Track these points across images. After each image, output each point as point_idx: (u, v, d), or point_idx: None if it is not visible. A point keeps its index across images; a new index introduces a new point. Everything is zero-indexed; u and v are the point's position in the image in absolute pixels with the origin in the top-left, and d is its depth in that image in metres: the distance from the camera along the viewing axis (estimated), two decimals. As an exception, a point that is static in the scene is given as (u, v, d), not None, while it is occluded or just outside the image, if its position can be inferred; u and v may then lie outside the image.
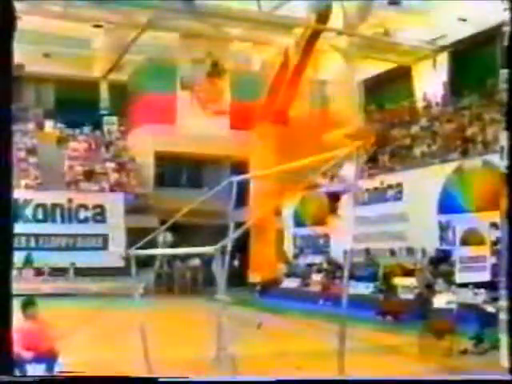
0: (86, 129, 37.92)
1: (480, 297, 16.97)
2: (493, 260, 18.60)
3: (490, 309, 13.73)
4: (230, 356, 7.16)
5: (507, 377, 5.30)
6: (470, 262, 18.50)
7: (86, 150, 36.35)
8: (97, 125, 38.44)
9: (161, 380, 6.04)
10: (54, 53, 35.82)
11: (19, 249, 25.20)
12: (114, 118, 39.14)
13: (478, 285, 17.96)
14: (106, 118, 39.10)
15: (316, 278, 27.36)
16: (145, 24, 32.46)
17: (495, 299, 14.55)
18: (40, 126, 36.88)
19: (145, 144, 35.91)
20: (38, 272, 27.61)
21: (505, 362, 5.31)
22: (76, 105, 36.49)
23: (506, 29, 5.46)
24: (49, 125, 37.43)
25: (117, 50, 36.09)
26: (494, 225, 20.33)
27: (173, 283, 31.13)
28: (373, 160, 30.39)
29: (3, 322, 5.50)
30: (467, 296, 17.74)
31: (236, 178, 9.93)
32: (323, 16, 31.82)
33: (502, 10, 6.68)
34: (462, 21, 30.17)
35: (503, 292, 5.15)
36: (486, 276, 17.68)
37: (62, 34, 34.13)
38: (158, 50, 35.45)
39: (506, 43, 5.45)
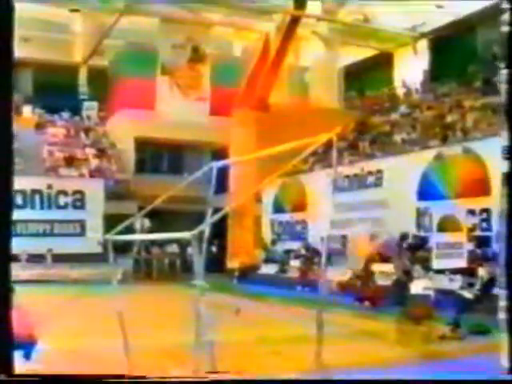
0: (65, 114, 37.69)
1: (456, 283, 17.15)
2: (469, 246, 18.77)
3: (466, 294, 13.85)
4: (209, 342, 7.16)
5: (507, 377, 5.34)
6: (446, 249, 18.64)
7: (66, 135, 36.17)
8: (76, 110, 38.22)
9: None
10: (33, 37, 35.51)
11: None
12: (94, 104, 38.93)
13: (454, 271, 18.14)
14: (85, 104, 38.89)
15: (294, 264, 27.44)
16: (123, 8, 32.27)
17: (471, 285, 14.69)
18: (18, 112, 36.59)
19: (125, 130, 35.76)
20: (16, 258, 27.45)
21: (505, 362, 5.35)
22: (55, 90, 36.28)
23: (505, 28, 5.47)
24: (27, 110, 37.13)
25: (96, 35, 35.89)
26: (471, 212, 20.51)
27: (151, 269, 31.11)
28: (353, 146, 30.47)
29: (1, 323, 5.50)
30: (444, 282, 17.91)
31: (216, 164, 9.89)
32: (300, 1, 31.82)
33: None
34: (439, 8, 30.23)
35: (503, 292, 5.18)
36: (462, 262, 17.84)
37: (41, 19, 33.87)
38: (138, 35, 35.26)
39: (506, 43, 5.47)
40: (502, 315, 5.20)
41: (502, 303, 5.20)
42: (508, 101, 5.46)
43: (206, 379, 6.61)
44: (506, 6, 5.48)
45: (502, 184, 5.23)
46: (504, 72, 5.46)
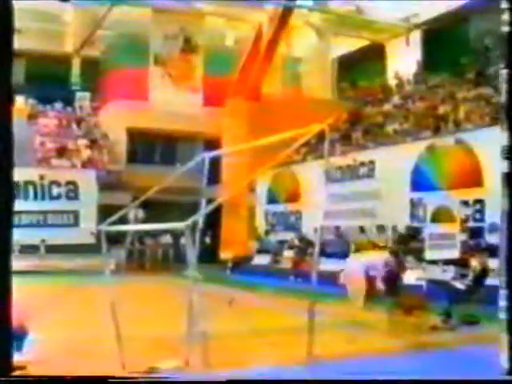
0: (58, 105, 37.57)
1: (449, 273, 17.19)
2: (462, 237, 18.82)
3: (458, 285, 13.90)
4: (201, 332, 7.17)
5: (507, 377, 5.37)
6: (439, 239, 18.69)
7: (58, 126, 36.07)
8: (68, 101, 38.09)
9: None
10: (25, 28, 35.33)
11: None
12: (86, 94, 38.79)
13: (447, 261, 18.19)
14: (77, 94, 38.76)
15: (287, 254, 27.48)
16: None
17: (464, 276, 14.74)
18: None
19: (117, 120, 35.68)
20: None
21: (505, 362, 5.38)
22: (47, 80, 36.17)
23: (506, 28, 5.48)
24: (19, 101, 36.97)
25: (89, 26, 35.77)
26: (464, 203, 20.57)
27: (144, 260, 31.11)
28: (345, 137, 30.48)
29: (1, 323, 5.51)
30: (436, 272, 17.96)
31: (208, 154, 9.88)
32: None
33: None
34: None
35: (503, 292, 5.21)
36: (455, 253, 17.89)
37: (33, 9, 33.72)
38: (130, 26, 35.15)
39: (506, 43, 5.48)
40: (502, 315, 5.23)
41: (503, 303, 5.23)
42: (508, 101, 5.47)
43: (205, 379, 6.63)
44: (505, 5, 5.49)
45: (503, 184, 5.25)
46: (504, 72, 5.47)
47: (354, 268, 9.41)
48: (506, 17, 5.46)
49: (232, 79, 33.28)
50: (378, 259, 9.50)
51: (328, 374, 8.21)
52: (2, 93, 5.50)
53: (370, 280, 12.01)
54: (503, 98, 5.43)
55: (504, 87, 5.49)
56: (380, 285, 8.96)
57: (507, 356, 5.29)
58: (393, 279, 11.08)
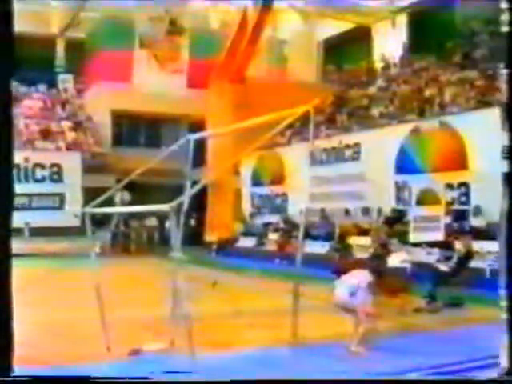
0: (42, 87, 37.31)
1: (433, 256, 17.29)
2: (447, 220, 18.90)
3: (442, 267, 13.97)
4: (185, 314, 7.18)
5: (507, 377, 5.41)
6: (424, 222, 18.78)
7: (42, 108, 35.84)
8: (52, 83, 37.84)
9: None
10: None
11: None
12: (70, 76, 38.51)
13: (431, 244, 18.28)
14: (61, 76, 38.49)
15: (272, 237, 27.53)
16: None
17: (448, 258, 14.82)
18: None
19: (102, 102, 35.47)
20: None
21: (505, 362, 5.42)
22: (31, 62, 35.89)
23: (505, 28, 5.47)
24: (3, 82, 36.69)
25: (73, 7, 35.49)
26: (449, 185, 20.64)
27: (129, 243, 31.04)
28: (331, 120, 30.50)
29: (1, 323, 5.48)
30: (421, 255, 18.05)
31: (193, 136, 9.86)
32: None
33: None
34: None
35: (503, 292, 5.24)
36: (439, 236, 17.98)
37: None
38: (115, 8, 34.88)
39: (506, 43, 5.48)
40: (503, 315, 5.27)
41: (503, 303, 5.27)
42: (508, 101, 5.47)
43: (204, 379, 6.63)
44: (505, 6, 5.48)
45: (503, 184, 5.28)
46: (504, 72, 5.48)
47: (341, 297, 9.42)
48: (506, 17, 5.46)
49: (217, 62, 33.15)
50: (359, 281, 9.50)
51: (312, 355, 8.25)
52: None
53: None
54: (503, 97, 5.44)
55: (504, 87, 5.51)
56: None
57: (507, 356, 5.33)
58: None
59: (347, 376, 6.90)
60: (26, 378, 5.57)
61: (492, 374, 6.01)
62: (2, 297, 5.53)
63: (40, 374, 5.90)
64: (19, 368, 5.58)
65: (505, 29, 5.48)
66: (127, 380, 5.94)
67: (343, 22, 37.43)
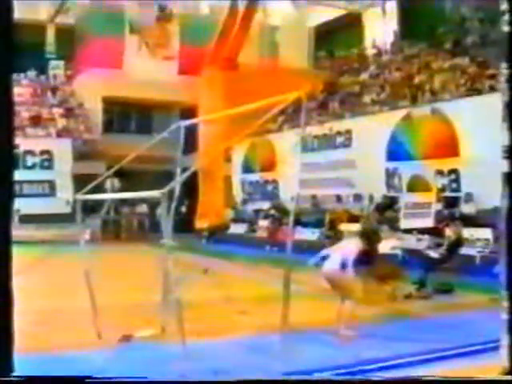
0: (31, 73, 37.11)
1: (424, 242, 17.33)
2: (437, 207, 18.95)
3: (432, 254, 14.01)
4: (176, 301, 7.17)
5: (507, 377, 5.42)
6: (414, 209, 18.83)
7: (32, 95, 35.66)
8: (42, 69, 37.62)
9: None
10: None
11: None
12: (60, 63, 38.28)
13: (422, 231, 18.32)
14: (51, 63, 38.27)
15: (263, 223, 27.55)
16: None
17: (439, 245, 14.86)
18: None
19: (92, 89, 35.30)
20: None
21: (505, 362, 5.43)
22: (21, 49, 35.59)
23: (505, 28, 5.46)
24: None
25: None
26: (440, 172, 20.69)
27: (119, 229, 31.01)
28: (322, 107, 30.48)
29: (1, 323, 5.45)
30: (411, 242, 18.09)
31: (184, 123, 9.83)
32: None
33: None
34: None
35: (503, 292, 5.26)
36: (429, 222, 18.03)
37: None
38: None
39: (506, 43, 5.46)
40: (503, 316, 5.29)
41: (504, 304, 5.29)
42: (508, 101, 5.47)
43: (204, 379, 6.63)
44: (505, 6, 5.47)
45: (503, 184, 5.28)
46: (504, 72, 5.47)
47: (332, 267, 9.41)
48: (506, 17, 5.45)
49: (208, 48, 33.04)
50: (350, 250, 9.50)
51: (302, 341, 8.26)
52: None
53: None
54: (504, 97, 5.43)
55: (504, 87, 5.50)
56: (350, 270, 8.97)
57: (507, 356, 5.35)
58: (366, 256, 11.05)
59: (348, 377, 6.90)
60: (26, 378, 5.55)
61: (482, 358, 6.02)
62: (1, 296, 5.49)
63: (40, 374, 5.88)
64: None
65: (505, 29, 5.47)
66: (127, 380, 5.93)
67: (334, 8, 37.37)
